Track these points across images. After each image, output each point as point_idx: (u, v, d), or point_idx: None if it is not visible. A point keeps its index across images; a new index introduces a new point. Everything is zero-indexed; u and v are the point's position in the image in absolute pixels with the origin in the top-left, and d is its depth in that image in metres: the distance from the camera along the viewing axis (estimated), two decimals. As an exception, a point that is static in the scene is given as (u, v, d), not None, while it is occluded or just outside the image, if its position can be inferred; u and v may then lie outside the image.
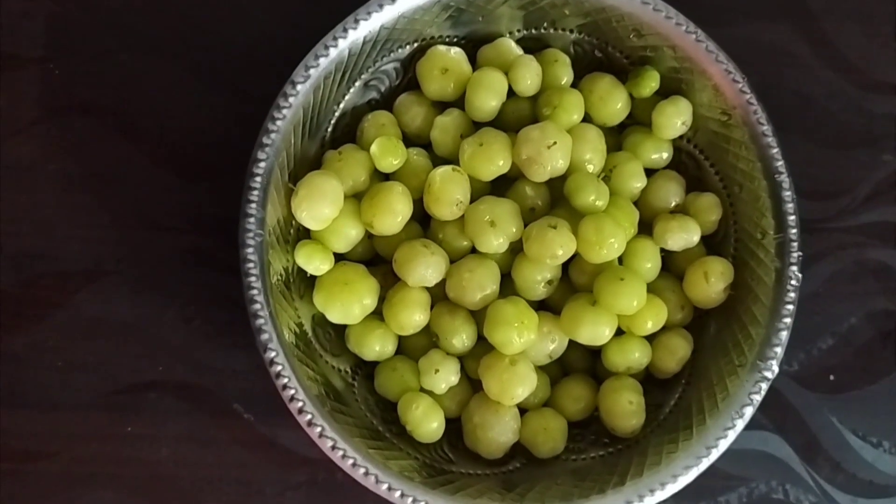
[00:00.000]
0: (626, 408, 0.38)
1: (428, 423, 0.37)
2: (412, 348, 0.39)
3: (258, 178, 0.35)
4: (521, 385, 0.37)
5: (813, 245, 0.43)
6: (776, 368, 0.37)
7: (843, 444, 0.43)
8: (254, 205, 0.35)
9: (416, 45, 0.39)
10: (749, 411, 0.37)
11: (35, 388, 0.41)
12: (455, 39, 0.40)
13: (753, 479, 0.43)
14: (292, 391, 0.35)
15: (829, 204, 0.44)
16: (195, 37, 0.43)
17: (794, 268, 0.37)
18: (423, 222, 0.39)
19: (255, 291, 0.35)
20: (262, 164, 0.35)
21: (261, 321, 0.35)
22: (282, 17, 0.43)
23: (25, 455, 0.40)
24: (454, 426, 0.39)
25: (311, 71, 0.36)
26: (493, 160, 0.37)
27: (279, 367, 0.35)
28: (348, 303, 0.37)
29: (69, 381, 0.41)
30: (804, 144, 0.44)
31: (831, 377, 0.43)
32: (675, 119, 0.39)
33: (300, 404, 0.35)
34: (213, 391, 0.41)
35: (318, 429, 0.35)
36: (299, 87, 0.36)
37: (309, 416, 0.35)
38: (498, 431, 0.38)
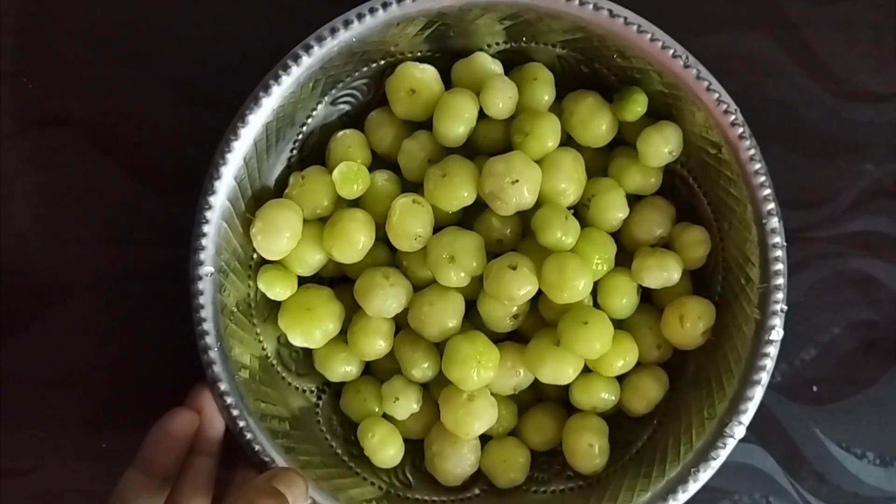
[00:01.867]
0: (587, 450, 0.37)
1: (385, 450, 0.38)
2: (380, 369, 0.39)
3: (208, 213, 0.35)
4: (478, 420, 0.36)
5: (795, 255, 0.41)
6: (743, 430, 0.35)
7: (827, 455, 0.42)
8: (203, 239, 0.35)
9: (385, 61, 0.37)
10: (714, 464, 0.35)
11: (9, 403, 0.42)
12: (429, 54, 0.38)
13: (737, 491, 0.42)
14: (242, 423, 0.35)
15: (810, 213, 0.42)
16: (170, 49, 0.42)
17: (777, 322, 0.35)
18: (391, 246, 0.38)
19: (204, 327, 0.35)
20: (212, 198, 0.35)
21: (212, 354, 0.35)
22: (257, 30, 0.42)
23: (-1, 472, 0.42)
24: (418, 447, 0.39)
25: (274, 89, 0.35)
26: (456, 193, 0.36)
27: (229, 400, 0.35)
28: (309, 328, 0.37)
29: (44, 396, 0.42)
30: (785, 153, 0.42)
31: (814, 388, 0.43)
32: (661, 147, 0.36)
33: (248, 436, 0.35)
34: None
35: (267, 461, 0.35)
36: (263, 100, 0.35)
37: (258, 448, 0.35)
38: (454, 463, 0.37)
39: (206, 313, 0.35)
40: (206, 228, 0.35)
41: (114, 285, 0.42)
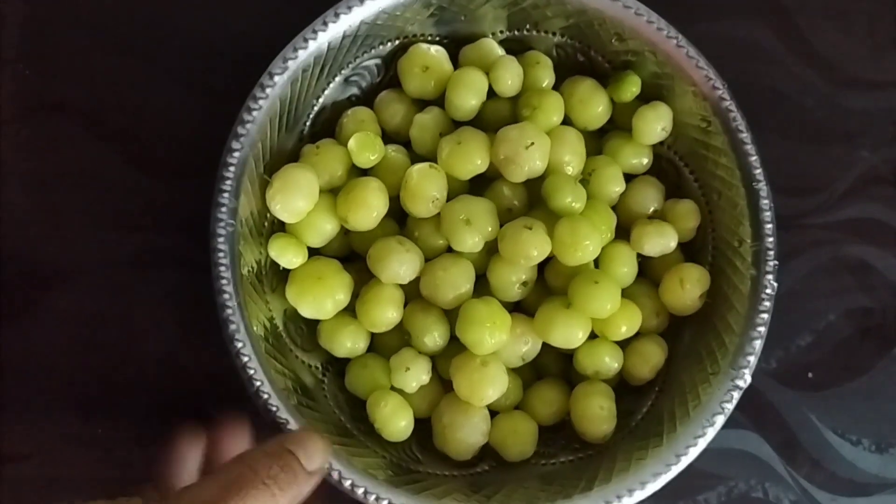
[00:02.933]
0: (597, 413, 0.38)
1: (396, 421, 0.37)
2: (384, 346, 0.39)
3: (232, 168, 0.35)
4: (491, 386, 0.37)
5: (790, 242, 0.43)
6: (748, 378, 0.36)
7: (823, 442, 0.43)
8: (226, 194, 0.35)
9: (397, 42, 0.39)
10: (720, 420, 0.36)
11: (6, 390, 0.40)
12: (437, 38, 0.40)
13: (732, 477, 0.42)
14: (258, 383, 0.34)
15: (805, 200, 0.44)
16: (168, 36, 0.43)
17: (770, 276, 0.37)
18: (399, 220, 0.39)
19: (223, 282, 0.34)
20: (237, 154, 0.35)
21: (228, 311, 0.34)
22: (255, 17, 0.43)
23: (-3, 458, 0.40)
24: (424, 426, 0.39)
25: (290, 63, 0.36)
26: (471, 159, 0.37)
27: (245, 359, 0.34)
28: (321, 298, 0.37)
29: (40, 382, 0.41)
30: (780, 141, 0.44)
31: (810, 374, 0.43)
32: (655, 124, 0.39)
33: (265, 397, 0.34)
34: (186, 394, 0.41)
35: (282, 422, 0.34)
36: (276, 78, 0.36)
37: (274, 409, 0.34)
38: (467, 432, 0.37)
39: (226, 269, 0.35)
40: (228, 183, 0.35)
41: (111, 272, 0.41)
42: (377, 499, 0.34)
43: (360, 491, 0.34)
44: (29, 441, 0.40)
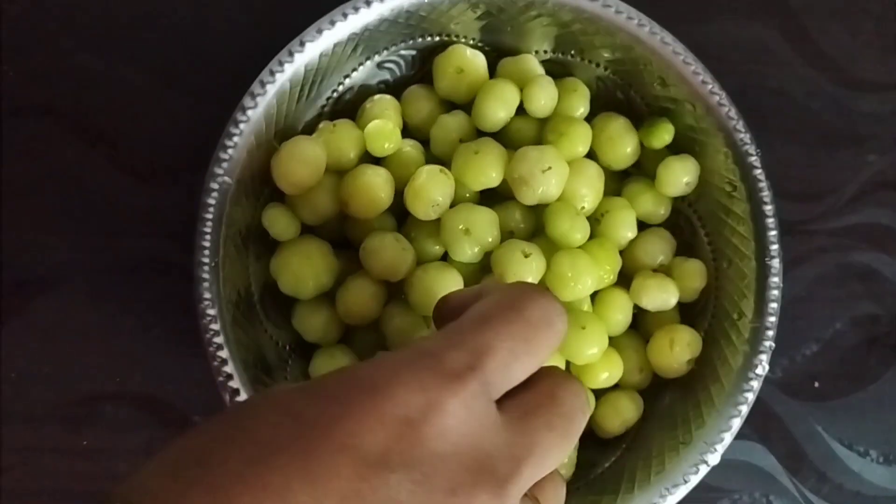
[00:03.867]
0: (557, 456, 0.36)
1: None
2: (357, 341, 0.38)
3: (242, 125, 0.34)
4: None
5: (796, 248, 0.41)
6: (718, 457, 0.35)
7: (829, 453, 0.41)
8: (230, 150, 0.34)
9: (438, 38, 0.38)
10: (680, 491, 0.35)
11: None
12: (480, 45, 0.39)
13: (736, 490, 0.41)
14: (216, 343, 0.33)
15: (812, 206, 0.42)
16: (154, 38, 0.42)
17: (763, 357, 0.36)
18: (400, 219, 0.38)
19: (206, 234, 0.33)
20: (250, 112, 0.34)
21: (204, 267, 0.33)
22: (245, 19, 0.42)
23: (-24, 469, 0.39)
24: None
25: (325, 34, 0.35)
26: (485, 171, 0.36)
27: (209, 319, 0.33)
28: (303, 276, 0.36)
29: (23, 392, 0.40)
30: (786, 145, 0.42)
31: (816, 384, 0.42)
32: (681, 176, 0.38)
33: (220, 360, 0.33)
34: (173, 403, 0.40)
35: (232, 390, 0.33)
36: (308, 45, 0.35)
37: (226, 375, 0.33)
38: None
39: (210, 223, 0.34)
40: (235, 140, 0.34)
41: (96, 277, 0.40)
42: None
43: None
44: (9, 452, 0.39)
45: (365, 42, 0.37)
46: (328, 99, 0.38)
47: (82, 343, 0.40)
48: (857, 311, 0.42)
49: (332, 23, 0.35)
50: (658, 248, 0.38)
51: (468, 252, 0.36)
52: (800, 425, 0.41)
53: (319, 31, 0.35)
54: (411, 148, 0.38)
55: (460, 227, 0.35)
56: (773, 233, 0.36)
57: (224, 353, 0.33)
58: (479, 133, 0.38)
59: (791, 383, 0.42)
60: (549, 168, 0.35)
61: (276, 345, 0.37)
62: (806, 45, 0.43)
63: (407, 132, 0.39)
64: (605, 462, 0.38)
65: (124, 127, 0.41)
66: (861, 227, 0.43)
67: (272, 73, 0.35)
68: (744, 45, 0.43)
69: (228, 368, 0.33)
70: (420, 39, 0.38)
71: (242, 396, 0.33)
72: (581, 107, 0.39)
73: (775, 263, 0.36)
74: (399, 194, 0.37)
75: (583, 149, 0.37)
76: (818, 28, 0.43)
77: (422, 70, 0.39)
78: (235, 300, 0.35)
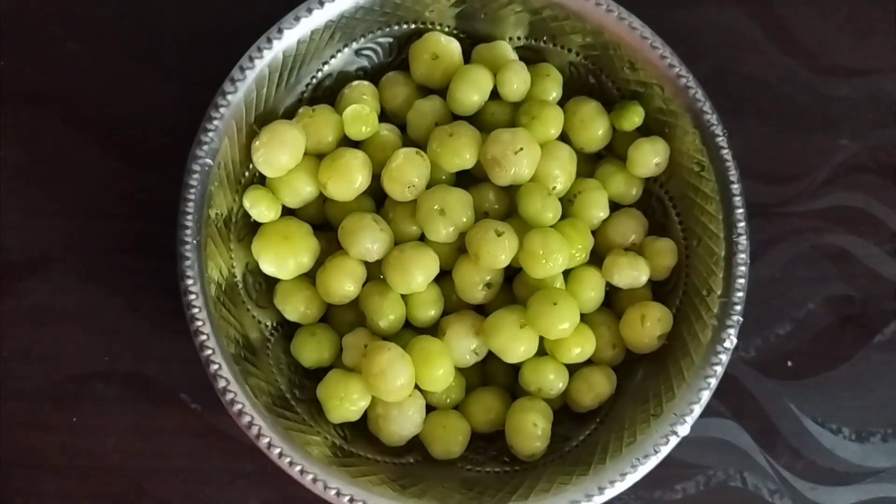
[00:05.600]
0: (531, 429, 0.37)
1: (348, 406, 0.37)
2: (338, 320, 0.39)
3: (222, 109, 0.35)
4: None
5: (770, 230, 0.42)
6: (688, 428, 0.36)
7: (802, 431, 0.42)
8: (211, 133, 0.35)
9: (414, 26, 0.40)
10: (652, 461, 0.36)
11: None
12: (455, 32, 0.40)
13: (711, 466, 0.42)
14: (199, 323, 0.34)
15: (785, 188, 0.43)
16: (144, 25, 0.43)
17: (731, 331, 0.37)
18: (379, 201, 0.39)
19: (188, 217, 0.35)
20: (230, 97, 0.36)
21: (186, 247, 0.35)
22: (232, 6, 0.43)
23: (-33, 445, 0.40)
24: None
25: (302, 21, 0.36)
26: (460, 153, 0.37)
27: (192, 297, 0.35)
28: (284, 256, 0.37)
29: (14, 370, 0.41)
30: (759, 129, 0.43)
31: (789, 363, 0.42)
32: (650, 157, 0.39)
33: (203, 338, 0.34)
34: (160, 381, 0.41)
35: (215, 366, 0.34)
36: (286, 32, 0.36)
37: (209, 351, 0.34)
38: (401, 424, 0.37)
39: (193, 205, 0.35)
40: (216, 123, 0.35)
41: (86, 259, 0.41)
42: (314, 479, 0.34)
43: (298, 469, 0.34)
44: (3, 429, 0.40)
45: (342, 29, 0.38)
46: (307, 85, 0.39)
47: (72, 322, 0.41)
48: (830, 291, 0.43)
49: (310, 10, 0.36)
50: (630, 228, 0.39)
51: (443, 232, 0.37)
52: (773, 403, 0.42)
53: (297, 19, 0.36)
54: (388, 132, 0.39)
55: (435, 207, 0.37)
56: (741, 210, 0.37)
57: (206, 329, 0.34)
58: (455, 117, 0.39)
59: (765, 362, 0.43)
60: (521, 149, 0.36)
61: (259, 324, 0.38)
62: (779, 30, 0.44)
63: (385, 117, 0.40)
64: (578, 436, 0.38)
65: (113, 112, 0.42)
66: (834, 210, 0.44)
67: (251, 59, 0.36)
68: (718, 31, 0.44)
69: (210, 344, 0.34)
70: (396, 27, 0.40)
71: (225, 372, 0.34)
72: (554, 91, 0.40)
73: (742, 241, 0.37)
74: (377, 177, 0.38)
75: (555, 131, 0.38)
76: (791, 14, 0.44)
77: (399, 57, 0.41)
78: (218, 280, 0.36)
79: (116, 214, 0.42)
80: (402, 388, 0.36)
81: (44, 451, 0.40)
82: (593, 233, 0.39)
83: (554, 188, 0.38)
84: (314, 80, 0.39)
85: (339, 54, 0.39)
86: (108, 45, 0.43)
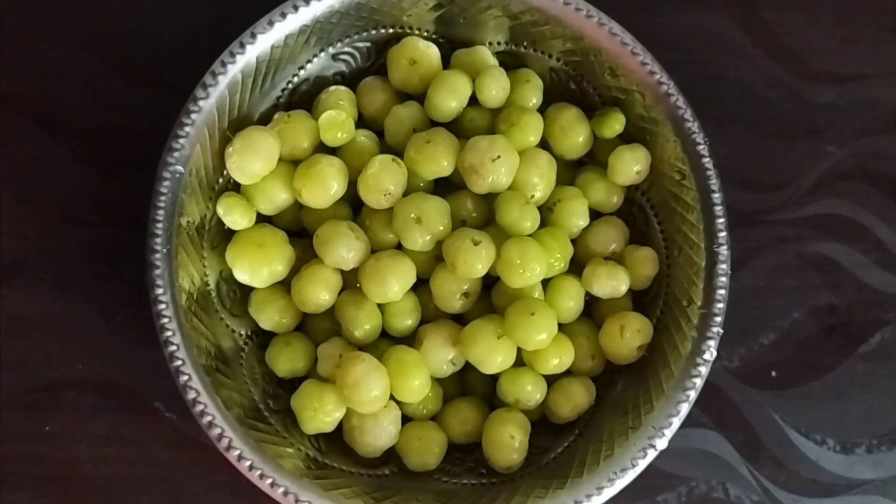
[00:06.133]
0: (507, 441, 0.37)
1: (322, 417, 0.36)
2: (313, 329, 0.39)
3: (194, 115, 0.35)
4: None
5: (754, 238, 0.42)
6: (666, 441, 0.35)
7: (786, 441, 0.41)
8: (182, 140, 0.35)
9: (392, 31, 0.39)
10: (629, 475, 0.35)
11: None
12: (434, 37, 0.40)
13: (693, 477, 0.41)
14: (168, 333, 0.34)
15: (770, 196, 0.43)
16: (116, 29, 0.43)
17: (711, 342, 0.36)
18: (356, 209, 0.39)
19: (158, 225, 0.34)
20: (201, 103, 0.35)
21: (156, 255, 0.34)
22: (206, 10, 0.43)
23: (-62, 454, 0.40)
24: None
25: (276, 26, 0.36)
26: (437, 160, 0.37)
27: (162, 307, 0.34)
28: (258, 264, 0.37)
29: None
30: (745, 135, 0.43)
31: (773, 373, 0.42)
32: (631, 165, 0.38)
33: (173, 348, 0.34)
34: (135, 389, 0.40)
35: (185, 377, 0.34)
36: (259, 37, 0.36)
37: (179, 362, 0.34)
38: (376, 435, 0.36)
39: (162, 213, 0.34)
40: (187, 129, 0.35)
41: (59, 266, 0.41)
42: (285, 493, 0.34)
43: (269, 482, 0.34)
44: None
45: (318, 34, 0.37)
46: (283, 90, 0.39)
47: (45, 330, 0.40)
48: (814, 300, 0.43)
49: (283, 14, 0.36)
50: (610, 237, 0.39)
51: (419, 240, 0.36)
52: (757, 414, 0.42)
53: (271, 23, 0.36)
54: (365, 138, 0.38)
55: (412, 215, 0.36)
56: (722, 220, 0.37)
57: (176, 339, 0.34)
58: (433, 123, 0.39)
59: (748, 372, 0.42)
60: (499, 157, 0.36)
61: (233, 333, 0.38)
62: (765, 36, 0.44)
63: (362, 122, 0.39)
64: (556, 448, 0.38)
65: (87, 118, 0.42)
66: (819, 218, 0.43)
67: (223, 65, 0.35)
68: (703, 36, 0.43)
69: (180, 354, 0.34)
70: (374, 31, 0.39)
71: (195, 383, 0.34)
72: (534, 97, 0.39)
73: (723, 251, 0.37)
74: (353, 184, 0.37)
75: (534, 138, 0.38)
76: (778, 19, 0.44)
77: (377, 61, 0.40)
78: (190, 289, 0.36)
79: (90, 222, 0.41)
80: (376, 400, 0.35)
81: (15, 460, 0.40)
82: (573, 241, 0.39)
83: (533, 196, 0.37)
84: (290, 85, 0.39)
85: (316, 59, 0.39)
86: (82, 51, 0.42)
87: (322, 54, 0.39)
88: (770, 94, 0.44)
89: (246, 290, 0.38)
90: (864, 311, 0.43)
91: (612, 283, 0.37)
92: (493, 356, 0.36)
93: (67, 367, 0.40)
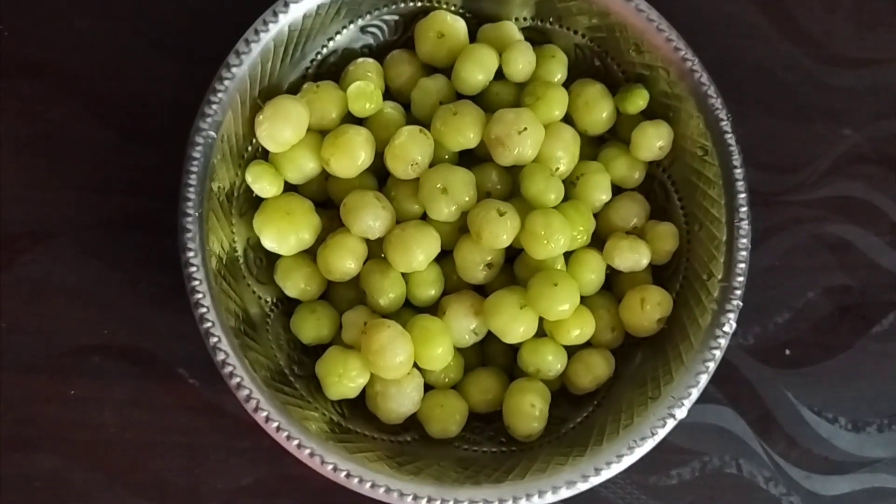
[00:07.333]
0: (528, 410, 0.37)
1: (347, 383, 0.37)
2: (338, 298, 0.39)
3: (227, 82, 0.35)
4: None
5: (770, 218, 0.42)
6: (685, 411, 0.36)
7: (799, 419, 0.42)
8: (215, 106, 0.35)
9: (420, 4, 0.40)
10: (648, 444, 0.36)
11: None
12: (461, 11, 0.40)
13: (706, 452, 0.42)
14: (199, 295, 0.34)
15: (787, 177, 0.43)
16: (148, 1, 0.43)
17: (731, 315, 0.37)
18: (382, 179, 0.39)
19: (190, 189, 0.34)
20: (235, 70, 0.35)
21: (188, 219, 0.34)
22: None
23: (-35, 417, 0.40)
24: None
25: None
26: (463, 132, 0.37)
27: (193, 269, 0.35)
28: (285, 232, 0.37)
29: (12, 342, 0.41)
30: (763, 117, 0.43)
31: (787, 352, 0.43)
32: (654, 140, 0.39)
33: (203, 311, 0.34)
34: (158, 355, 0.41)
35: (214, 339, 0.34)
36: (292, 6, 0.36)
37: (209, 324, 0.34)
38: (399, 402, 0.37)
39: (195, 178, 0.35)
40: (220, 96, 0.35)
41: (85, 233, 0.41)
42: (311, 454, 0.34)
43: (295, 444, 0.34)
44: (1, 401, 0.40)
45: (348, 5, 0.38)
46: (312, 61, 0.39)
47: (71, 296, 0.41)
48: (829, 281, 0.43)
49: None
50: (632, 211, 0.39)
51: (445, 211, 0.37)
52: (770, 391, 0.42)
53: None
54: (392, 109, 0.39)
55: (438, 186, 0.36)
56: (743, 195, 0.37)
57: (206, 302, 0.34)
58: (459, 96, 0.39)
59: (763, 350, 0.43)
60: (525, 129, 0.36)
61: (259, 299, 0.38)
62: (784, 19, 0.44)
63: (389, 95, 0.40)
64: (576, 418, 0.39)
65: (116, 88, 0.42)
66: (835, 200, 0.44)
67: (257, 33, 0.36)
68: (723, 20, 0.44)
69: (210, 316, 0.34)
70: (402, 4, 0.39)
71: (224, 345, 0.34)
72: (559, 73, 0.40)
73: (744, 225, 0.37)
74: (380, 154, 0.38)
75: (559, 112, 0.38)
76: (797, 3, 0.44)
77: (404, 35, 0.40)
78: (219, 254, 0.36)
79: (117, 189, 0.42)
80: (400, 366, 0.36)
81: (41, 424, 0.40)
82: (595, 215, 0.39)
83: (557, 169, 0.38)
84: (319, 56, 0.39)
85: (345, 31, 0.39)
86: (112, 21, 0.43)
87: (351, 26, 0.39)
88: (788, 77, 0.44)
89: (272, 258, 0.39)
90: (878, 292, 0.44)
91: (633, 256, 0.38)
92: (515, 326, 0.37)
93: (92, 333, 0.41)
